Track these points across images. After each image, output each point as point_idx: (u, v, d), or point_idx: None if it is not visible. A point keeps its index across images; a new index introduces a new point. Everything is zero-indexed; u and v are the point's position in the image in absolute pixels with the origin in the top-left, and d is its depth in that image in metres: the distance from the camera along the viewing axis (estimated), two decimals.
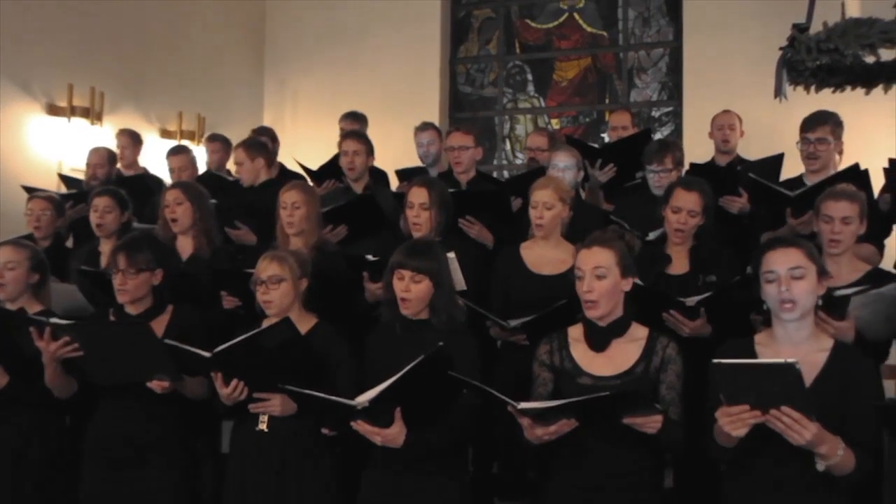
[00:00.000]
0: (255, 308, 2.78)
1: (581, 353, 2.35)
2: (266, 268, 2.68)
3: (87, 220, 4.21)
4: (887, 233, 3.54)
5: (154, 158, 5.54)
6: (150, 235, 3.12)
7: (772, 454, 2.08)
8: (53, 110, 5.67)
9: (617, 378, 2.28)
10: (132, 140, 5.10)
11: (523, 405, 2.10)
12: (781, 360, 1.92)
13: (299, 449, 2.60)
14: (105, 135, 5.84)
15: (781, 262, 2.14)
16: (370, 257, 2.98)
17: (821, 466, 2.00)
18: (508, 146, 6.95)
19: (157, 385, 2.59)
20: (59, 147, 5.67)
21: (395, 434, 2.27)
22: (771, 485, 2.12)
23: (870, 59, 3.10)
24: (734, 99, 5.27)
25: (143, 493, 2.72)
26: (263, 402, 2.50)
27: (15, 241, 3.22)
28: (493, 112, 6.94)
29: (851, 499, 2.15)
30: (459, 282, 2.90)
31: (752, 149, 4.60)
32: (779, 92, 3.27)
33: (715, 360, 1.96)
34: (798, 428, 1.91)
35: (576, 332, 2.40)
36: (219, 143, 5.18)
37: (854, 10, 3.01)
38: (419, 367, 2.17)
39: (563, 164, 3.62)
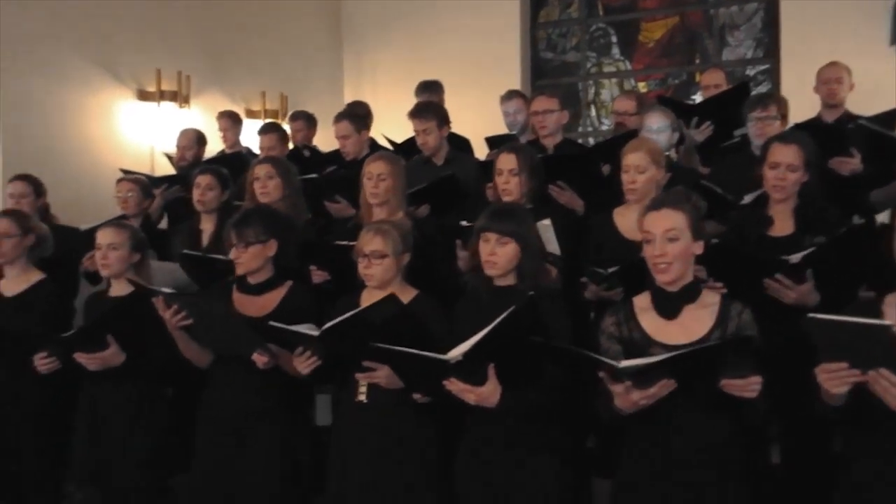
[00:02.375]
0: (344, 281, 2.78)
1: (650, 323, 2.23)
2: (369, 241, 2.65)
3: (182, 201, 4.36)
4: None
5: (242, 139, 5.61)
6: (262, 209, 3.15)
7: (888, 419, 1.89)
8: (143, 95, 5.84)
9: (691, 346, 2.12)
10: (232, 121, 5.21)
11: (624, 364, 2.00)
12: (875, 321, 1.80)
13: (399, 420, 2.58)
14: (193, 117, 5.98)
15: None
16: (465, 223, 2.91)
17: None
18: (594, 112, 6.76)
19: (258, 359, 2.64)
20: (150, 131, 5.84)
21: (489, 392, 2.21)
22: (888, 446, 1.96)
23: None
24: (836, 55, 4.93)
25: (249, 461, 2.77)
26: (370, 373, 2.47)
27: (115, 221, 3.34)
28: (576, 77, 6.75)
29: None
30: (555, 248, 2.81)
31: (858, 109, 4.28)
32: (895, 39, 3.02)
33: (810, 315, 1.84)
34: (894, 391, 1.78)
35: (642, 301, 2.28)
36: (302, 121, 5.21)
37: None
38: (509, 319, 2.11)
39: (657, 127, 3.46)
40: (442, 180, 3.59)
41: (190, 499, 2.92)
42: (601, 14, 6.67)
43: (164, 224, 4.55)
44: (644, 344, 2.20)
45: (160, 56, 5.86)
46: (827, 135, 3.72)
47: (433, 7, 6.79)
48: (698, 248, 2.22)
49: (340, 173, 4.03)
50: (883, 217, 3.40)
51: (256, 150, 5.17)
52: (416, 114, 3.95)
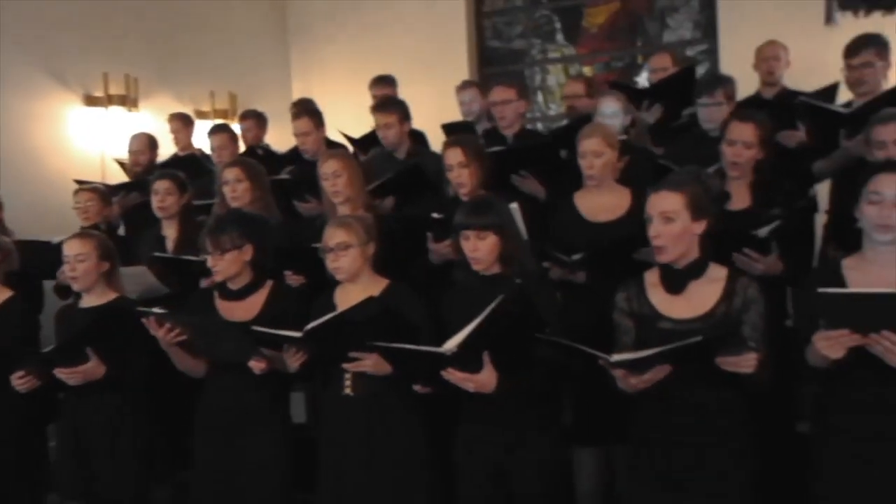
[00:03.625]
0: (323, 279, 2.82)
1: (659, 298, 2.33)
2: (333, 235, 2.71)
3: (139, 207, 4.33)
4: None
5: (193, 140, 5.56)
6: (235, 213, 3.17)
7: (875, 377, 2.08)
8: (90, 101, 5.73)
9: (698, 321, 2.25)
10: (183, 123, 5.17)
11: (616, 357, 2.11)
12: (887, 290, 1.96)
13: (386, 411, 2.65)
14: (142, 120, 5.90)
15: (891, 186, 2.12)
16: (435, 215, 2.98)
17: None
18: (541, 98, 6.87)
19: (255, 366, 2.66)
20: (99, 137, 5.74)
21: (486, 378, 2.30)
22: (872, 406, 2.13)
23: None
24: (773, 33, 5.11)
25: (248, 461, 2.81)
26: (357, 361, 2.52)
27: (81, 232, 3.29)
28: (523, 65, 6.85)
29: None
30: (522, 232, 2.91)
31: (794, 83, 4.47)
32: (830, 18, 3.20)
33: (819, 290, 1.98)
34: None
35: (652, 277, 2.38)
36: (252, 120, 5.22)
37: None
38: (499, 308, 2.19)
39: (611, 111, 3.58)
40: (406, 171, 3.64)
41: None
42: (545, 1, 6.78)
43: (120, 232, 4.52)
44: (653, 318, 2.30)
45: (106, 60, 5.75)
46: (770, 110, 3.91)
47: (377, 1, 6.79)
48: (699, 227, 2.29)
49: (310, 173, 4.05)
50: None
51: (208, 151, 5.16)
52: (378, 108, 4.00)
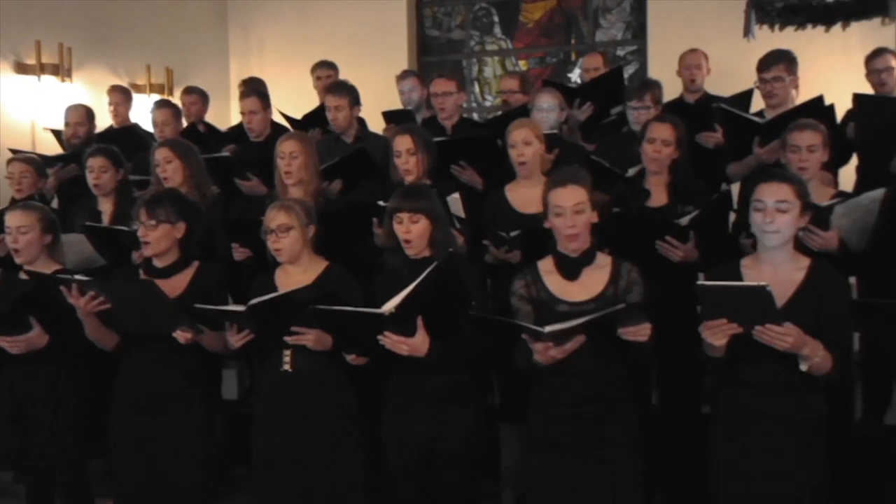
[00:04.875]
0: (266, 257, 2.91)
1: (555, 283, 2.55)
2: (274, 217, 2.78)
3: (74, 180, 4.30)
4: (846, 161, 3.80)
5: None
6: (174, 191, 3.17)
7: (755, 360, 2.35)
8: (22, 68, 5.61)
9: (591, 302, 2.49)
10: (124, 96, 5.10)
11: (549, 328, 2.31)
12: (754, 283, 2.21)
13: (322, 387, 2.74)
14: (75, 91, 5.81)
15: (771, 194, 2.38)
16: (381, 203, 3.11)
17: (804, 367, 2.29)
18: (477, 89, 7.06)
19: (180, 335, 2.69)
20: (30, 106, 5.62)
21: (420, 342, 2.47)
22: (755, 387, 2.39)
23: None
24: (697, 37, 5.42)
25: (168, 439, 2.82)
26: (298, 335, 2.60)
27: (23, 204, 3.26)
28: (461, 55, 7.01)
29: (826, 399, 2.44)
30: (461, 220, 3.10)
31: (714, 86, 4.77)
32: (748, 31, 3.48)
33: (698, 283, 2.25)
34: (781, 337, 2.20)
35: (546, 265, 2.60)
36: (196, 96, 5.20)
37: None
38: (432, 274, 2.37)
39: (547, 106, 3.79)
40: (352, 155, 3.75)
41: (115, 483, 2.93)
42: None
43: (53, 204, 4.47)
44: (551, 302, 2.52)
45: (39, 27, 5.63)
46: (691, 114, 4.20)
47: None
48: (594, 217, 2.55)
49: (254, 153, 4.11)
50: None
51: (144, 125, 5.14)
52: (331, 90, 4.08)
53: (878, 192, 2.87)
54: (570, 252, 2.54)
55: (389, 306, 2.40)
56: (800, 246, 2.51)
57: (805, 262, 2.45)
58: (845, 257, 2.78)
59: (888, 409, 3.55)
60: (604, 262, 2.58)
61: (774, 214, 2.36)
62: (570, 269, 2.55)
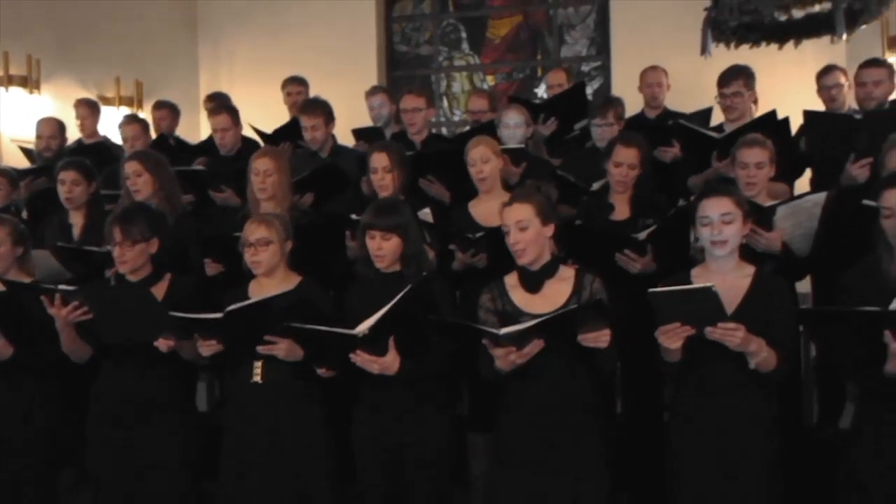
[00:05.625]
0: (238, 270, 2.95)
1: (519, 297, 2.62)
2: (254, 230, 2.84)
3: (44, 192, 4.30)
4: (800, 173, 3.95)
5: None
6: (143, 206, 3.20)
7: (709, 366, 2.48)
8: None
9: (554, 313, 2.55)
10: (91, 109, 5.10)
11: (504, 330, 2.38)
12: (700, 285, 2.35)
13: (292, 399, 2.78)
14: (43, 103, 5.80)
15: (714, 208, 2.51)
16: (354, 216, 3.17)
17: (752, 364, 2.41)
18: (445, 103, 7.16)
19: (163, 343, 2.73)
20: None
21: (390, 361, 2.52)
22: (710, 389, 2.51)
23: (783, 18, 3.45)
24: (659, 53, 5.58)
25: (146, 451, 2.85)
26: (270, 345, 2.64)
27: None
28: (429, 70, 7.11)
29: (777, 398, 2.56)
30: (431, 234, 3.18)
31: (676, 100, 4.94)
32: (705, 49, 3.62)
33: (650, 290, 2.35)
34: (730, 334, 2.32)
35: (511, 279, 2.67)
36: (167, 110, 5.22)
37: None
38: (407, 296, 2.43)
39: (514, 122, 3.89)
40: (323, 168, 3.82)
41: (92, 495, 2.94)
42: (452, 10, 7.06)
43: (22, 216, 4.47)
44: (515, 315, 2.58)
45: (7, 39, 5.63)
46: (652, 129, 4.34)
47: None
48: (549, 231, 2.62)
49: (226, 166, 4.15)
50: None
51: (114, 139, 5.15)
52: (305, 109, 4.16)
53: (821, 196, 2.99)
54: (528, 266, 2.62)
55: (363, 327, 2.46)
56: (744, 255, 2.63)
57: (750, 269, 2.58)
58: (789, 258, 2.90)
59: (843, 413, 3.69)
60: (567, 274, 2.65)
61: (721, 227, 2.49)
62: (532, 282, 2.62)
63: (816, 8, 3.32)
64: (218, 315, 2.62)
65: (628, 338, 2.55)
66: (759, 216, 2.78)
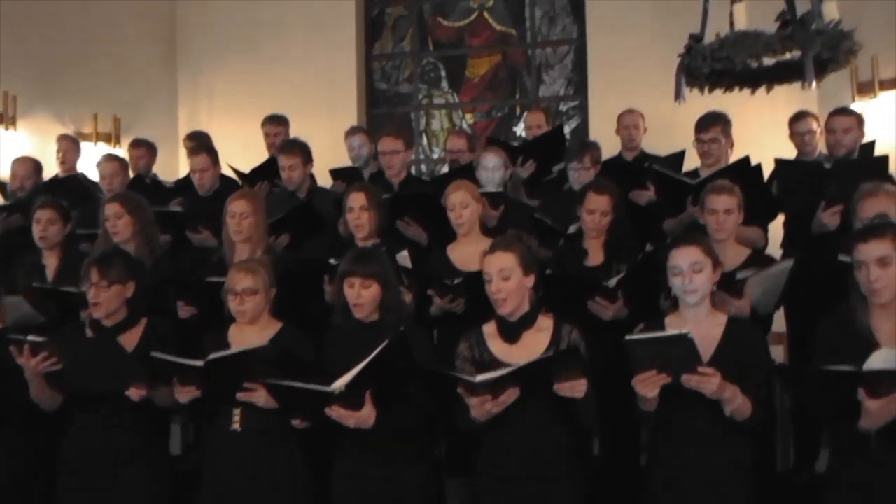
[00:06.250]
0: (212, 313, 2.94)
1: (497, 347, 2.62)
2: (241, 280, 2.81)
3: (17, 230, 4.25)
4: (773, 217, 4.00)
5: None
6: (120, 249, 3.20)
7: (685, 414, 2.48)
8: None
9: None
10: (73, 144, 5.11)
11: (479, 378, 2.36)
12: (676, 332, 2.35)
13: (271, 447, 2.75)
14: (20, 140, 5.76)
15: (684, 258, 2.54)
16: (332, 261, 3.16)
17: (727, 411, 2.42)
18: (425, 141, 7.19)
19: (133, 393, 2.70)
20: None
21: (366, 415, 2.49)
22: (686, 438, 2.51)
23: (755, 65, 3.52)
24: (635, 94, 5.67)
25: (120, 500, 2.80)
26: (249, 392, 2.62)
27: None
28: (409, 108, 7.15)
29: (752, 446, 2.57)
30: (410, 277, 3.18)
31: (651, 140, 5.00)
32: (679, 95, 3.67)
33: (627, 338, 2.36)
34: (706, 380, 2.33)
35: (490, 328, 2.67)
36: (144, 149, 5.22)
37: (742, 23, 3.42)
38: (384, 351, 2.41)
39: (493, 164, 3.92)
40: (299, 209, 3.82)
41: None
42: (432, 49, 7.13)
43: None
44: (493, 365, 2.56)
45: None
46: (628, 171, 4.39)
47: (270, 34, 6.88)
48: (529, 281, 2.62)
49: (203, 206, 4.14)
50: None
51: (89, 174, 5.12)
52: (284, 150, 4.17)
53: (787, 264, 3.06)
54: (507, 316, 2.62)
55: (339, 384, 2.44)
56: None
57: (722, 318, 2.61)
58: (755, 318, 2.95)
59: (818, 458, 3.69)
60: (545, 324, 2.65)
61: (691, 276, 2.52)
62: (510, 332, 2.62)
63: (787, 56, 3.38)
64: (199, 363, 2.60)
65: (605, 381, 2.55)
66: (730, 286, 2.83)
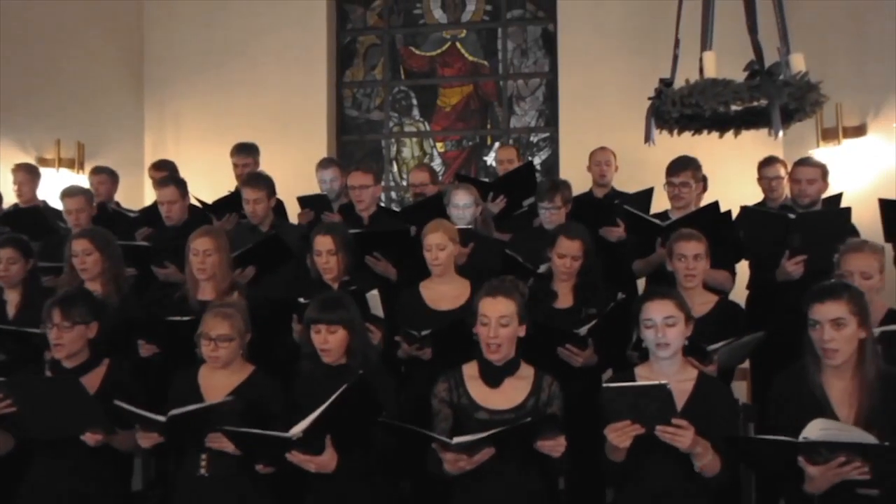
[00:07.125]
0: (174, 354, 2.88)
1: (477, 390, 2.63)
2: (216, 326, 2.78)
3: None
4: (739, 259, 4.04)
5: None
6: (84, 290, 3.14)
7: (654, 468, 2.48)
8: None
9: (511, 412, 2.58)
10: (30, 175, 4.95)
11: (456, 440, 2.36)
12: (655, 382, 2.35)
13: (239, 491, 2.71)
14: None
15: (657, 311, 2.56)
16: (302, 300, 3.13)
17: (697, 466, 2.42)
18: (395, 168, 7.18)
19: (90, 438, 2.64)
20: None
21: (327, 460, 2.49)
22: (654, 491, 2.50)
23: (723, 111, 3.57)
24: (605, 127, 5.74)
25: None
26: (218, 440, 2.59)
27: None
28: (379, 135, 7.14)
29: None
30: (380, 313, 3.19)
31: (620, 175, 5.03)
32: (648, 137, 3.71)
33: (604, 386, 2.36)
34: (680, 433, 2.33)
35: (470, 370, 2.68)
36: (105, 175, 5.13)
37: (711, 71, 3.47)
38: (343, 396, 2.41)
39: (463, 203, 3.92)
40: (265, 241, 3.79)
41: None
42: (403, 77, 7.13)
43: None
44: (471, 409, 2.58)
45: None
46: (598, 208, 4.41)
47: (241, 59, 6.81)
48: (521, 331, 2.66)
49: (170, 237, 4.07)
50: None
51: (52, 202, 5.00)
52: (248, 183, 4.13)
53: (757, 336, 3.13)
54: (494, 361, 2.61)
55: (297, 430, 2.44)
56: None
57: (693, 373, 2.64)
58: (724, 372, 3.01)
59: None
60: (526, 372, 2.67)
61: (664, 329, 2.53)
62: (493, 376, 2.63)
63: (754, 103, 3.43)
64: (161, 418, 2.57)
65: (573, 424, 2.55)
66: (703, 357, 2.85)
